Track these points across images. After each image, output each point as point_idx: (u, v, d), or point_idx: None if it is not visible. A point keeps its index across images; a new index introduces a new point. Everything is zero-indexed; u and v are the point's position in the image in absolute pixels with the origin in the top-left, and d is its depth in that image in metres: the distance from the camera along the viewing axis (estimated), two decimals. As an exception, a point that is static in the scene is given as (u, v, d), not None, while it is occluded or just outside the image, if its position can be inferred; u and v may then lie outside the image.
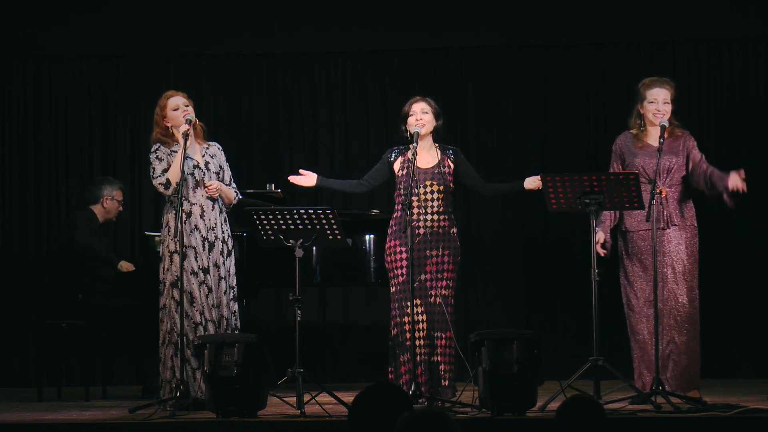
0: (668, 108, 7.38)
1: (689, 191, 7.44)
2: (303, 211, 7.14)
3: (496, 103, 10.00)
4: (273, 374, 7.00)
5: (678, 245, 7.34)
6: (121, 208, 9.06)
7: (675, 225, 7.33)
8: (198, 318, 7.29)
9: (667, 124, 7.26)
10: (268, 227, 7.20)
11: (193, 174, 7.40)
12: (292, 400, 6.94)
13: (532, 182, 7.44)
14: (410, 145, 7.38)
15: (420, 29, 9.96)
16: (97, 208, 8.93)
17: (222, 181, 7.51)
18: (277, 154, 10.10)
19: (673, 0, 9.81)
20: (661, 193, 7.25)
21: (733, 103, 9.83)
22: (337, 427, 6.53)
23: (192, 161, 7.43)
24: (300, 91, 10.14)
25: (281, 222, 7.17)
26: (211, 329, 7.28)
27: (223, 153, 7.59)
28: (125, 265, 8.76)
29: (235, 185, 7.58)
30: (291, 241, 7.17)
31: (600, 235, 7.36)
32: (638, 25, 9.83)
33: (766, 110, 9.75)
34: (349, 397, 7.31)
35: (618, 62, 9.93)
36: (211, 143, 7.60)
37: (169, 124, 7.47)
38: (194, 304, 7.29)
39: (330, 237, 7.21)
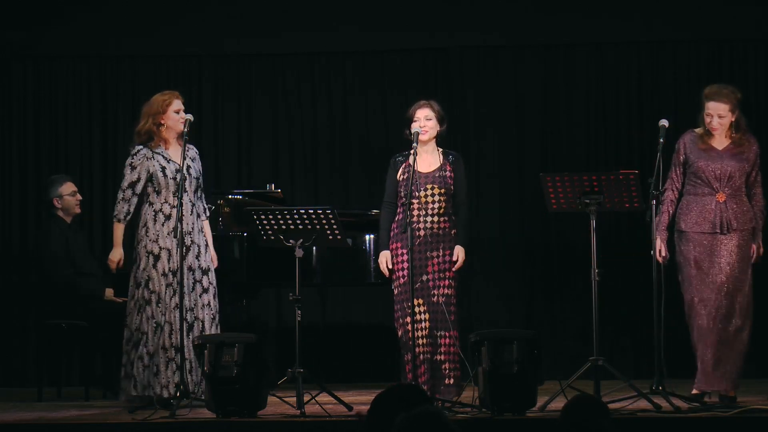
0: (725, 121, 7.30)
1: (749, 197, 7.40)
2: (303, 211, 7.14)
3: (497, 103, 9.99)
4: (273, 374, 7.00)
5: (732, 250, 7.29)
6: (78, 198, 8.84)
7: (734, 230, 7.29)
8: (161, 319, 7.33)
9: (666, 124, 7.25)
10: (268, 227, 7.20)
11: (175, 178, 7.42)
12: (292, 400, 6.93)
13: (455, 254, 7.40)
14: (411, 147, 7.38)
15: (420, 29, 9.95)
16: (59, 211, 8.85)
17: (198, 186, 7.56)
18: (277, 154, 10.09)
19: (673, 0, 9.80)
20: (718, 198, 7.25)
21: (733, 103, 9.82)
22: (337, 427, 6.53)
23: (174, 165, 7.45)
24: (300, 91, 10.13)
25: (281, 222, 7.17)
26: (168, 330, 7.31)
27: (199, 158, 7.63)
28: (109, 293, 8.70)
29: (204, 197, 7.64)
30: (291, 241, 7.17)
31: (658, 243, 7.29)
32: (638, 25, 9.82)
33: (767, 110, 9.74)
34: (349, 397, 7.31)
35: (618, 62, 9.92)
36: (190, 146, 7.60)
37: (164, 122, 7.48)
38: (159, 305, 7.33)
39: (330, 237, 7.20)
